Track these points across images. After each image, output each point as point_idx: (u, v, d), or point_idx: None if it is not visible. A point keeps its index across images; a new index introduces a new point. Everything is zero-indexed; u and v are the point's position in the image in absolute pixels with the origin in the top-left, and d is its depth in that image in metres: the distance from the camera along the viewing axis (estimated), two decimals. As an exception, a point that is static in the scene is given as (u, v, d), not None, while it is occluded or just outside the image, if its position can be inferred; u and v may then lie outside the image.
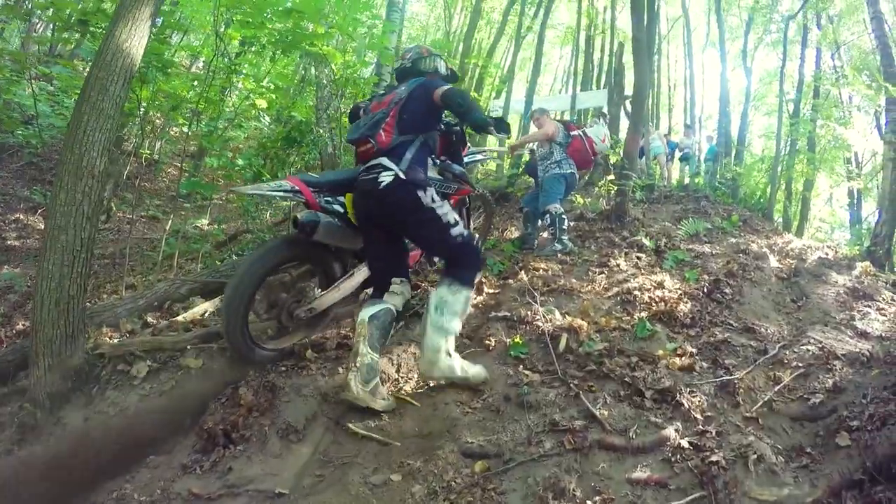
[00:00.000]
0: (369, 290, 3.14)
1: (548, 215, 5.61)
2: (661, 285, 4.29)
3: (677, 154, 13.35)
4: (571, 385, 2.87)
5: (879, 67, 8.00)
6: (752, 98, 18.93)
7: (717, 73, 16.18)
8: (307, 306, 3.15)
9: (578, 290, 4.28)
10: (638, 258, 5.04)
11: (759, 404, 2.66)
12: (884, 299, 4.45)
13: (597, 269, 4.75)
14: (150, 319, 4.01)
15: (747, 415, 2.59)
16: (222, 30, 7.06)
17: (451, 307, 2.72)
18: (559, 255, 5.28)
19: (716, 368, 3.04)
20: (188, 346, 3.30)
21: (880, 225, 7.85)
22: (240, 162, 7.57)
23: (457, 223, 2.86)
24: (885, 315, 4.06)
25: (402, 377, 3.12)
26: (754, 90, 20.22)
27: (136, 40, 3.05)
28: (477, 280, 3.08)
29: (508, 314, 3.77)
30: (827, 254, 6.16)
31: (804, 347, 3.22)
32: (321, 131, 9.34)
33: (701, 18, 22.97)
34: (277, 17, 6.11)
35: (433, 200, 2.83)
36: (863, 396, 2.50)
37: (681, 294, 4.11)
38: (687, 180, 11.64)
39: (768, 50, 20.87)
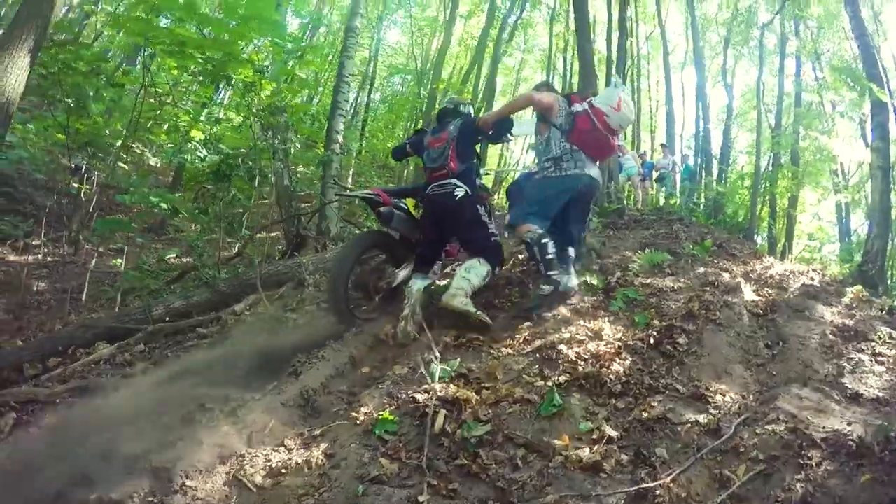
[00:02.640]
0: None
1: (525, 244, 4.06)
2: (597, 335, 3.41)
3: (654, 175, 12.56)
4: (427, 485, 1.99)
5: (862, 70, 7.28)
6: (734, 115, 18.40)
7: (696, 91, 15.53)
8: (386, 281, 4.21)
9: (495, 343, 3.40)
10: (580, 300, 4.15)
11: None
12: (880, 338, 3.57)
13: (524, 315, 3.86)
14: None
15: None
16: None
17: (477, 271, 3.79)
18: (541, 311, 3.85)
19: (636, 466, 2.14)
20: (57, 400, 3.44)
21: (871, 239, 7.04)
22: (153, 199, 6.76)
23: (492, 227, 4.11)
24: (882, 363, 3.18)
25: (249, 454, 2.50)
26: (736, 107, 19.69)
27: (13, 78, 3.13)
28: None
29: (391, 376, 2.91)
30: (812, 279, 5.28)
31: (770, 427, 2.32)
32: (279, 165, 8.67)
33: (680, 38, 22.60)
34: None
35: (485, 212, 4.18)
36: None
37: (619, 347, 3.22)
38: (662, 201, 10.83)
39: (748, 65, 20.53)
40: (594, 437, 2.31)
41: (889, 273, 6.50)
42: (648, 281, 4.55)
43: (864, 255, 7.11)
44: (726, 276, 5.01)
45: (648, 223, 7.97)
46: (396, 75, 19.95)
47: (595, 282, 4.36)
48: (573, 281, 4.08)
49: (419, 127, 9.05)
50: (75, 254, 8.01)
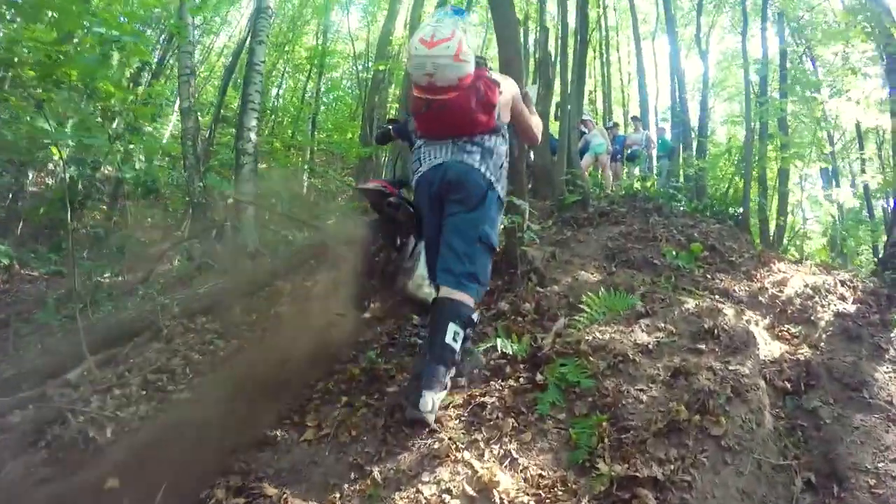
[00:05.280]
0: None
1: None
2: (486, 493, 1.75)
3: (625, 152, 10.80)
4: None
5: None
6: (710, 84, 16.81)
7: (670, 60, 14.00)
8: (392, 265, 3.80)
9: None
10: (482, 388, 2.47)
11: None
12: None
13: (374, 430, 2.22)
14: None
15: None
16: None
17: None
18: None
19: None
20: None
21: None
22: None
23: None
24: None
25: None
26: (712, 77, 18.12)
27: None
28: None
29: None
30: (844, 296, 3.85)
31: None
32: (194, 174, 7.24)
33: (650, 6, 20.79)
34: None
35: None
36: None
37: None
38: (637, 185, 9.11)
39: (722, 33, 19.00)
40: None
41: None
42: (606, 336, 2.88)
43: (890, 247, 5.55)
44: (728, 310, 3.38)
45: (618, 216, 6.28)
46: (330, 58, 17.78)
47: (514, 347, 2.66)
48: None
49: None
50: (8, 281, 7.39)
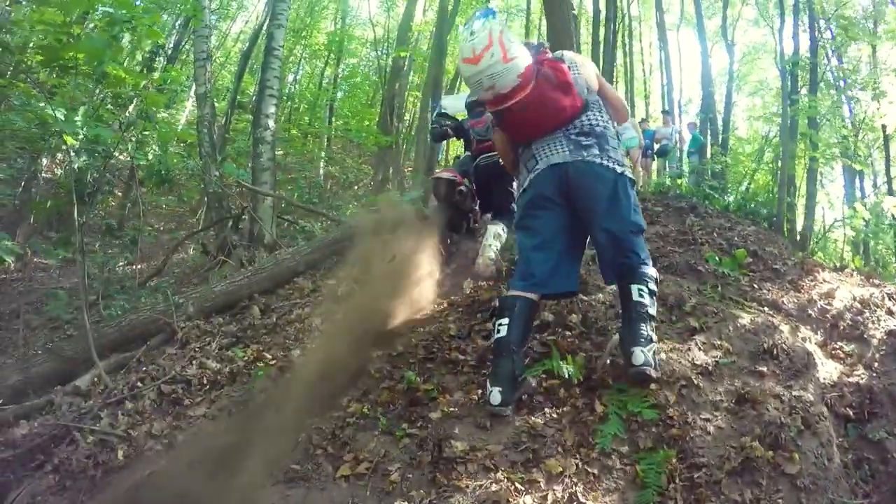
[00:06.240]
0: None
1: None
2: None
3: (654, 147, 10.42)
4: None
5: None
6: (735, 77, 16.38)
7: (694, 54, 13.78)
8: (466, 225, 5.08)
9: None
10: (537, 417, 2.23)
11: None
12: None
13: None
14: None
15: None
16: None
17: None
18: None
19: None
20: None
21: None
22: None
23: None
24: None
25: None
26: (736, 69, 17.65)
27: None
28: None
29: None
30: (892, 311, 3.61)
31: None
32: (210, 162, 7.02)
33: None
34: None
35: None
36: None
37: None
38: (668, 182, 8.76)
39: (748, 25, 18.53)
40: None
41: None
42: (662, 356, 2.64)
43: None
44: (784, 327, 3.14)
45: (653, 215, 5.98)
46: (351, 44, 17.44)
47: (570, 370, 2.41)
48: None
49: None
50: (23, 269, 7.21)
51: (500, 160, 3.22)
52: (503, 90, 2.42)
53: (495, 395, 2.26)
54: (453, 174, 4.88)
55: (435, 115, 6.73)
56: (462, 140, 5.31)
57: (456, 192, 4.73)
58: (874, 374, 2.90)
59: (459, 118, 5.31)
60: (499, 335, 2.41)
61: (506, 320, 2.42)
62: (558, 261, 2.55)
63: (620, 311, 2.56)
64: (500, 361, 2.36)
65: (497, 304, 2.84)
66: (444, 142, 9.54)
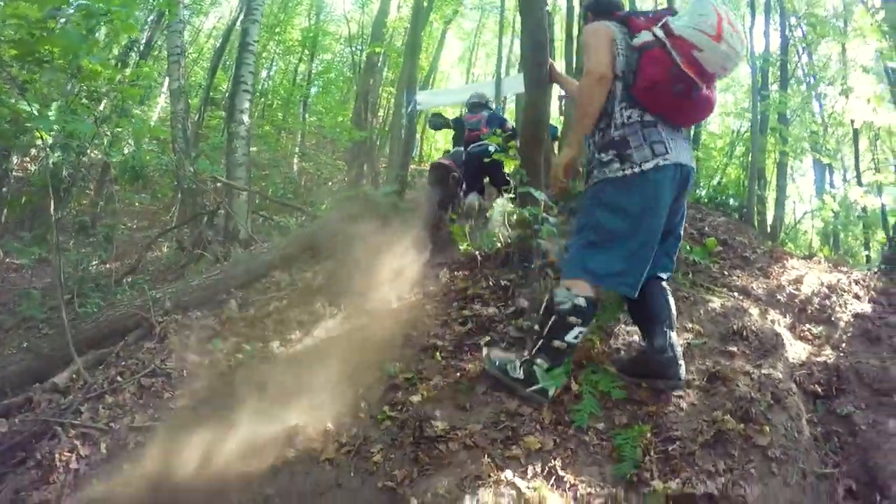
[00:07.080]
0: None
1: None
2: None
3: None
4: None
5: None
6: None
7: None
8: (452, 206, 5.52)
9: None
10: (513, 399, 2.29)
11: None
12: None
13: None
14: None
15: None
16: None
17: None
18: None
19: None
20: None
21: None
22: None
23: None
24: None
25: None
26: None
27: None
28: None
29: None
30: (859, 296, 3.74)
31: None
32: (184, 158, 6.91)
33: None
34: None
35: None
36: None
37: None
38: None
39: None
40: None
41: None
42: (634, 337, 2.72)
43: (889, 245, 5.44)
44: (753, 310, 3.25)
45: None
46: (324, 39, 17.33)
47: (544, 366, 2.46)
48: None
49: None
50: None
51: (576, 108, 2.55)
52: (721, 74, 2.27)
53: None
54: (450, 162, 5.55)
55: (431, 114, 7.29)
56: (455, 131, 6.10)
57: (450, 177, 5.43)
58: (841, 354, 3.01)
59: (432, 112, 6.35)
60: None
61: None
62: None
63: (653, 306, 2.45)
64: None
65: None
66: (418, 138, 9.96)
